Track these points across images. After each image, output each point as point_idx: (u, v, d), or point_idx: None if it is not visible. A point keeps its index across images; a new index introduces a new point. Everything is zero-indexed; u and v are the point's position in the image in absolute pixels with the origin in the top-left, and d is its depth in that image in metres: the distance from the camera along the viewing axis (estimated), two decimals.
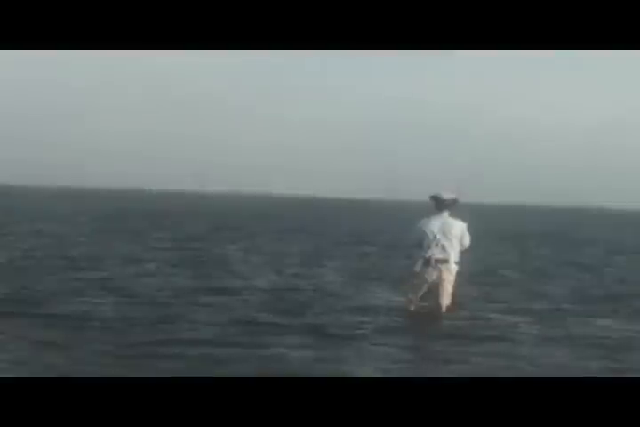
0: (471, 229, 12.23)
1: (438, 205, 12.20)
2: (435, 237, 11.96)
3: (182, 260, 20.33)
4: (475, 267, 17.07)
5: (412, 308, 12.19)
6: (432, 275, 11.97)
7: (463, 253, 12.28)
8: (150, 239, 27.92)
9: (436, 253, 11.96)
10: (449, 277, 11.98)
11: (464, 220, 12.28)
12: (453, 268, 12.02)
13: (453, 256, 12.00)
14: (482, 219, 31.42)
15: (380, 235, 37.49)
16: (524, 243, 35.68)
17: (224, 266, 19.12)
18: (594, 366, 9.09)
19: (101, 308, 11.88)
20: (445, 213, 12.16)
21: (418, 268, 12.04)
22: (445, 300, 12.06)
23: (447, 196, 12.22)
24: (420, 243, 12.10)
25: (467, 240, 12.09)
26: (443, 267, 11.95)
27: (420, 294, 12.14)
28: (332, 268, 19.85)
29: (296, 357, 9.05)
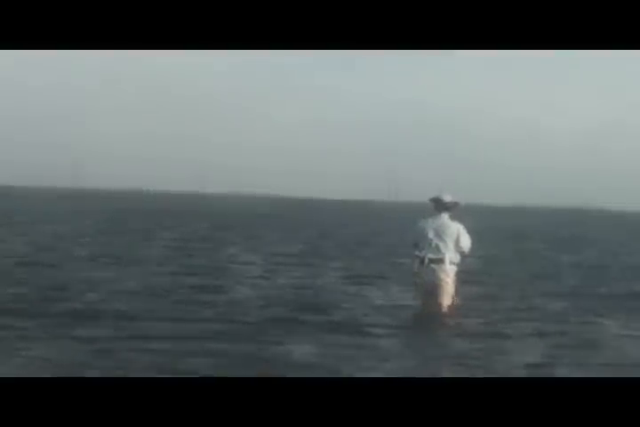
0: (472, 232, 12.18)
1: (438, 206, 12.19)
2: (427, 237, 11.96)
3: (183, 259, 20.35)
4: (475, 266, 17.09)
5: (425, 308, 12.16)
6: (427, 274, 11.97)
7: (466, 255, 12.23)
8: (151, 240, 27.94)
9: (429, 254, 11.96)
10: (445, 278, 11.95)
11: (462, 221, 12.23)
12: (449, 268, 11.96)
13: (449, 257, 11.96)
14: (482, 219, 31.42)
15: (380, 236, 37.53)
16: (523, 243, 35.71)
17: (225, 266, 19.14)
18: (593, 366, 9.09)
19: (104, 307, 11.89)
20: (444, 215, 12.14)
21: (416, 268, 12.06)
22: (445, 300, 12.04)
23: (448, 198, 12.21)
24: (417, 243, 12.11)
25: (465, 242, 11.99)
26: (437, 267, 11.93)
27: (423, 292, 12.14)
28: (333, 268, 19.86)
29: (296, 356, 9.05)
